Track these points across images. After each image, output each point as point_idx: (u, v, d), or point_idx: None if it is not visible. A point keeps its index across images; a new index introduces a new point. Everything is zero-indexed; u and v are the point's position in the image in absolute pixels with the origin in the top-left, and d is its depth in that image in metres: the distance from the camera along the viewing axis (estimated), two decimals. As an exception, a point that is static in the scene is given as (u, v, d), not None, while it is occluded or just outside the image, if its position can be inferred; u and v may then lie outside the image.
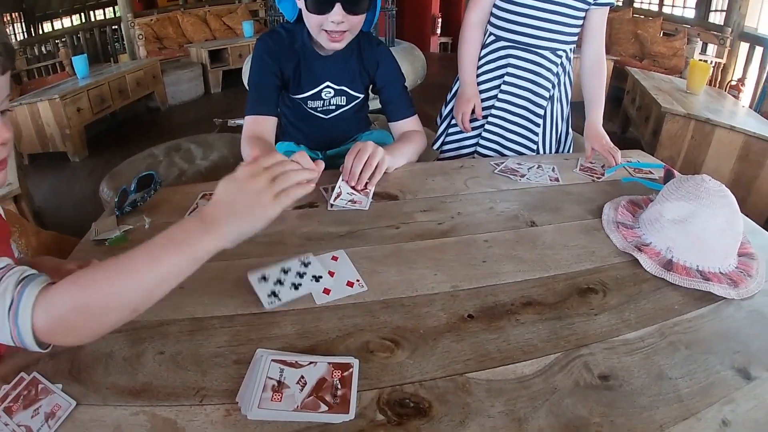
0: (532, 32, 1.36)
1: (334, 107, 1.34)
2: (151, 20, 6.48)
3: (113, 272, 0.58)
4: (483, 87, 1.48)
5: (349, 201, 1.04)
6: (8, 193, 2.03)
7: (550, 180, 1.16)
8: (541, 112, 1.43)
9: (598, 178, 1.19)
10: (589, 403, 0.58)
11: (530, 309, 0.73)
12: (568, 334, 0.68)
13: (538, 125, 1.45)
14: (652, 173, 1.21)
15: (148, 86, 5.07)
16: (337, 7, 1.08)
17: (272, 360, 0.65)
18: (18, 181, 2.12)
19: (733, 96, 3.39)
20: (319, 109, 1.34)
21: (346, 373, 0.63)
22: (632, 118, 3.55)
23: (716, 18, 4.65)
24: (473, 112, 1.48)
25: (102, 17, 8.42)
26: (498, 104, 1.47)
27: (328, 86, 1.29)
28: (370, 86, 1.37)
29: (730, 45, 4.18)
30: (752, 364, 0.64)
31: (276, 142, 1.32)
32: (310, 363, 0.64)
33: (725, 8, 4.42)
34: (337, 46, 1.16)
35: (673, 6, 5.26)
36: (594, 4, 1.32)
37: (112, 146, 4.24)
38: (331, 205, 1.03)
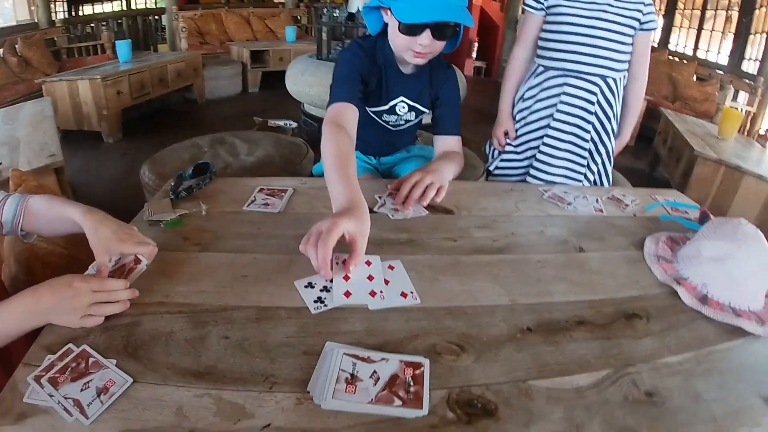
0: (580, 59, 1.46)
1: (403, 122, 1.42)
2: (195, 15, 6.63)
3: None
4: (537, 116, 1.57)
5: (393, 209, 1.12)
6: (52, 163, 2.01)
7: (595, 210, 1.23)
8: (586, 146, 1.52)
9: (624, 208, 1.26)
10: (637, 416, 0.64)
11: (582, 328, 0.80)
12: (616, 353, 0.75)
13: (584, 158, 1.53)
14: (687, 213, 1.27)
15: (188, 78, 5.11)
16: (426, 32, 1.15)
17: (344, 353, 0.67)
18: (61, 154, 2.09)
19: (761, 145, 3.43)
20: (391, 123, 1.41)
21: (417, 372, 0.66)
22: (662, 158, 3.60)
23: (749, 67, 4.70)
24: (507, 134, 1.66)
25: (142, 6, 8.58)
26: (550, 132, 1.55)
27: (402, 101, 1.36)
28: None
29: (761, 95, 4.23)
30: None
31: None
32: (382, 359, 0.67)
33: (759, 58, 4.48)
34: (420, 61, 1.23)
35: (707, 51, 5.32)
36: (639, 29, 1.45)
37: (146, 132, 4.24)
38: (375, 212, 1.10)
